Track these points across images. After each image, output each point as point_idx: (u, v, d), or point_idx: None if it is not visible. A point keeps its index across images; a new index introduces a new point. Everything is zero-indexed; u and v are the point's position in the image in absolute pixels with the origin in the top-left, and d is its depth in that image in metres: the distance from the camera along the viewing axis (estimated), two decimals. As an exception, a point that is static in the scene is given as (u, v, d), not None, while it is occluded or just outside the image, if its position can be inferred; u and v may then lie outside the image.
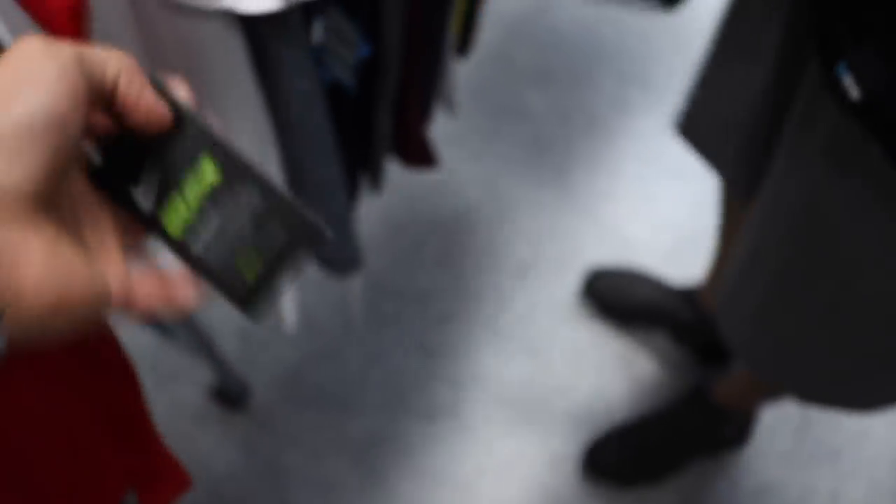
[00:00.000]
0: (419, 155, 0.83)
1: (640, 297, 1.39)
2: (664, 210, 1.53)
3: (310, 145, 0.63)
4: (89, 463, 0.45)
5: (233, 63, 0.58)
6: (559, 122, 1.63)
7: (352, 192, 0.80)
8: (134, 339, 1.36)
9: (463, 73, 1.68)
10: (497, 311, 1.41)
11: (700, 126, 0.96)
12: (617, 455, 1.27)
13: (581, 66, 1.71)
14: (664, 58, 1.72)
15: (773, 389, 1.08)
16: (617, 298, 1.39)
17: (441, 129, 1.60)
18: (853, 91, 0.63)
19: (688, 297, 1.37)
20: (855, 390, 0.83)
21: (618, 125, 1.63)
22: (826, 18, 0.66)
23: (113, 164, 0.32)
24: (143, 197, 0.32)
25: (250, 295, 0.31)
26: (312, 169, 0.65)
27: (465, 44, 0.85)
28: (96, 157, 0.32)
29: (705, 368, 1.40)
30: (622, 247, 1.49)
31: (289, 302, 0.83)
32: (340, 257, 0.76)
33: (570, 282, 1.45)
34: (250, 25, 0.58)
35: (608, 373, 1.37)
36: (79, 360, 0.44)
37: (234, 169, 0.30)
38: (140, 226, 0.33)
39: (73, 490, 0.45)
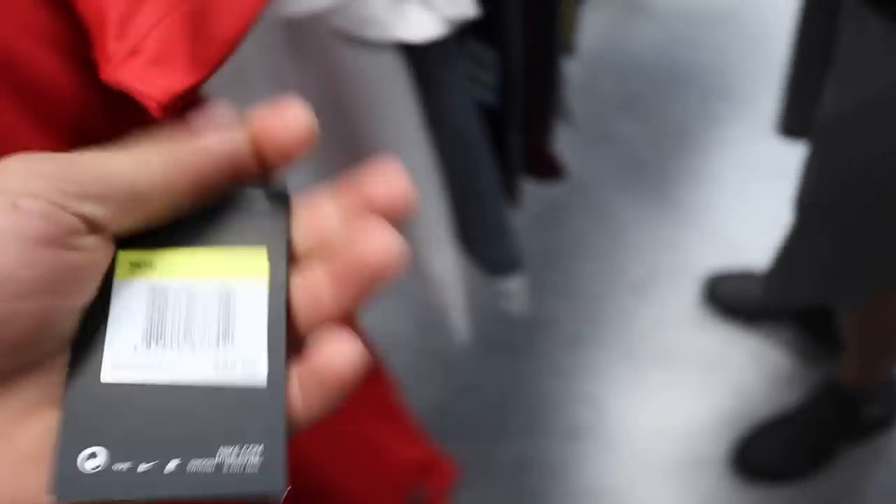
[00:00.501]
0: (548, 168, 0.90)
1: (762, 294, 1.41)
2: (767, 210, 1.56)
3: (470, 158, 0.70)
4: (380, 455, 0.51)
5: (396, 87, 0.66)
6: (652, 142, 1.68)
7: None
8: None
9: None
10: (624, 328, 1.45)
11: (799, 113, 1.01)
12: (766, 453, 1.28)
13: (663, 87, 1.77)
14: (741, 67, 1.77)
15: (885, 357, 1.09)
16: (740, 300, 1.41)
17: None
18: None
19: None
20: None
21: (709, 137, 1.67)
22: None
23: None
24: None
25: None
26: (474, 180, 0.72)
27: (570, 44, 0.92)
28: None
29: (837, 354, 1.40)
30: (732, 251, 1.52)
31: (460, 314, 0.89)
32: (503, 259, 0.82)
33: (688, 291, 1.48)
34: (410, 49, 0.66)
35: (744, 372, 1.38)
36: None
37: None
38: None
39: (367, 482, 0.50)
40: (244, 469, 0.24)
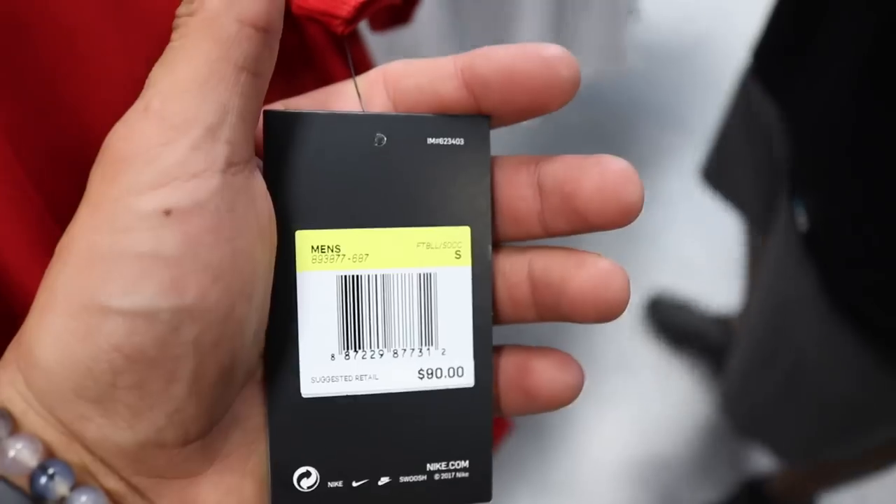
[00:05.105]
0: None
1: (680, 322, 1.51)
2: (715, 233, 1.70)
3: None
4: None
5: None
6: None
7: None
8: None
9: (518, 141, 1.89)
10: (585, 336, 1.57)
11: (723, 173, 1.11)
12: None
13: (624, 117, 1.92)
14: (695, 101, 1.93)
15: (829, 480, 1.13)
16: (675, 326, 1.52)
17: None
18: (802, 223, 0.75)
19: (722, 322, 1.47)
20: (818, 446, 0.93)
21: (664, 165, 1.82)
22: (793, 157, 0.78)
23: None
24: None
25: None
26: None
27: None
28: None
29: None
30: (683, 268, 1.65)
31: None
32: None
33: (636, 303, 1.61)
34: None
35: (695, 375, 1.51)
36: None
37: None
38: None
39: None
40: (454, 476, 0.24)
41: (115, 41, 0.30)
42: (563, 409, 1.46)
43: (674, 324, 1.52)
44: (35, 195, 0.29)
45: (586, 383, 1.50)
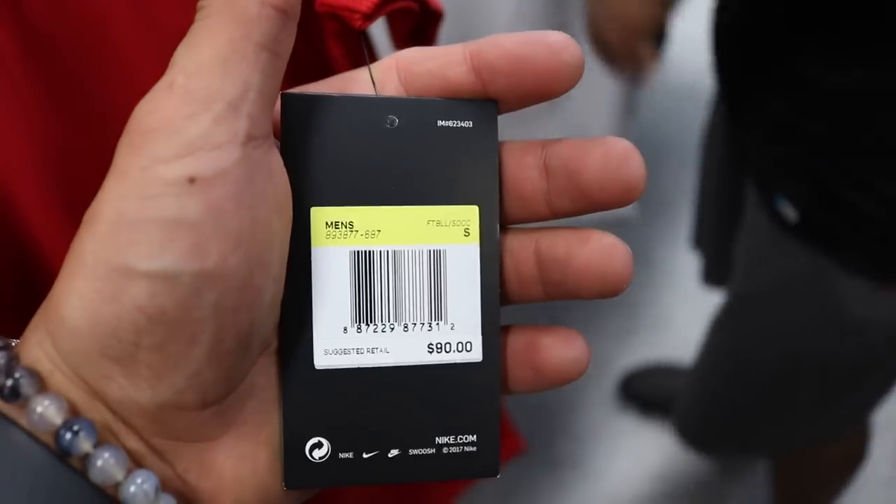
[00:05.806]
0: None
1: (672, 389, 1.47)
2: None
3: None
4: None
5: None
6: (636, 206, 1.83)
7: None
8: None
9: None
10: (604, 371, 1.57)
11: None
12: None
13: (648, 157, 1.93)
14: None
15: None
16: (660, 394, 1.48)
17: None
18: (790, 213, 0.78)
19: None
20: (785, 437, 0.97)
21: (686, 203, 1.82)
22: (759, 160, 0.82)
23: None
24: None
25: None
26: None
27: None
28: None
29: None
30: (706, 306, 1.64)
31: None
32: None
33: (665, 341, 1.60)
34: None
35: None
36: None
37: None
38: None
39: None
40: (462, 451, 0.25)
41: (155, 55, 0.32)
42: (577, 442, 1.45)
43: (657, 393, 1.49)
44: (77, 194, 0.30)
45: (601, 417, 1.49)
